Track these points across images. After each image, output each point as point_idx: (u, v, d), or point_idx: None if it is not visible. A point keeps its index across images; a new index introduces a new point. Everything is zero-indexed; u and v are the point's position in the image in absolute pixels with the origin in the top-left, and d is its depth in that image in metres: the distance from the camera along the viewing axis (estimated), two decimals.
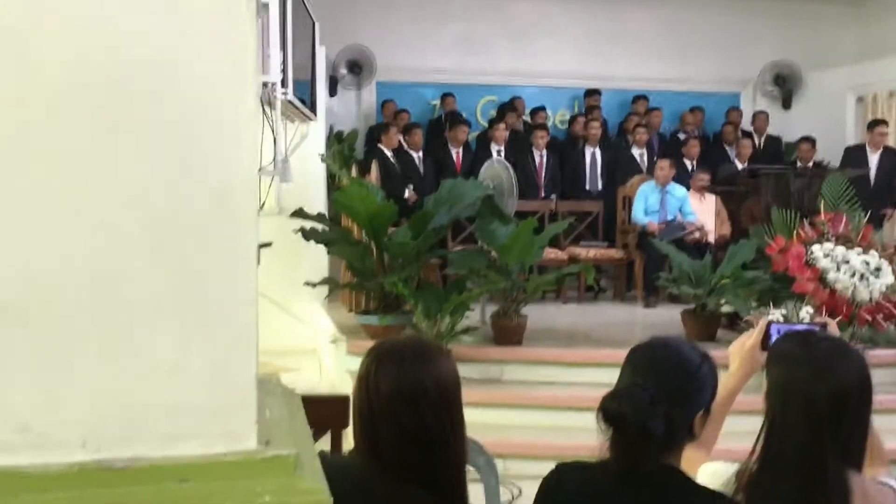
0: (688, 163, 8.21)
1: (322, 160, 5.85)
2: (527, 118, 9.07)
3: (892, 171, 7.83)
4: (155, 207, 0.92)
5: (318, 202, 6.85)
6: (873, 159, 7.94)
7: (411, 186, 7.51)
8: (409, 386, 1.54)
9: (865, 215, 5.36)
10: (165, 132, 0.93)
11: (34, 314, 0.90)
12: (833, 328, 1.92)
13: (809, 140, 8.31)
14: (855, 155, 8.07)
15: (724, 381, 1.95)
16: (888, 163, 7.87)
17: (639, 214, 7.29)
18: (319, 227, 5.35)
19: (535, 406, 4.74)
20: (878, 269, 5.00)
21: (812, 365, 1.60)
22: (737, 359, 1.94)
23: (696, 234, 7.21)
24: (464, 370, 5.01)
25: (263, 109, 4.55)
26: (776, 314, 4.66)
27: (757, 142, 8.85)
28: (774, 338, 1.87)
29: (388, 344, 1.66)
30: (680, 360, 1.63)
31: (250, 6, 0.94)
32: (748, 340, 1.92)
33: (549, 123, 9.00)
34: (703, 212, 7.44)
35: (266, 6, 4.55)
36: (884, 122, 8.12)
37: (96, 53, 0.92)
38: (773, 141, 9.14)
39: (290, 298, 5.83)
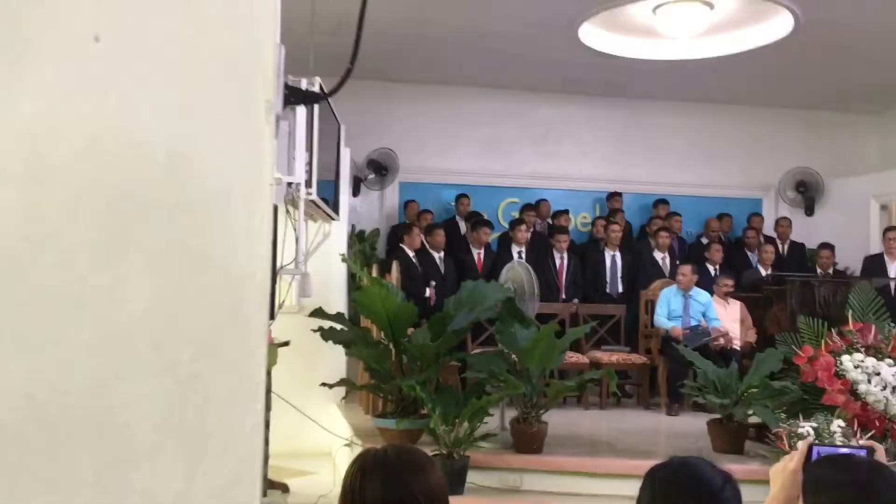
0: (710, 268, 8.16)
1: (343, 260, 5.85)
2: (550, 220, 9.13)
3: None
4: (161, 326, 0.88)
5: (338, 301, 6.84)
6: (892, 268, 7.83)
7: (433, 284, 7.50)
8: (398, 497, 1.49)
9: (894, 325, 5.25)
10: (176, 245, 0.90)
11: (31, 440, 0.85)
12: (881, 454, 1.81)
13: (828, 247, 8.25)
14: (874, 264, 7.98)
15: None
16: None
17: (662, 319, 7.20)
18: (338, 326, 5.31)
19: None
20: None
21: (858, 490, 1.52)
22: (778, 481, 1.84)
23: (721, 341, 7.08)
24: (482, 478, 4.88)
25: (287, 209, 4.61)
26: (806, 427, 4.51)
27: (780, 248, 8.79)
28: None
29: (373, 453, 1.61)
30: (701, 482, 1.58)
31: (269, 125, 0.92)
32: (790, 463, 1.83)
33: (571, 226, 9.03)
34: (728, 318, 7.33)
35: (294, 109, 4.67)
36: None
37: (109, 165, 0.90)
38: (797, 247, 9.09)
39: (306, 399, 5.73)
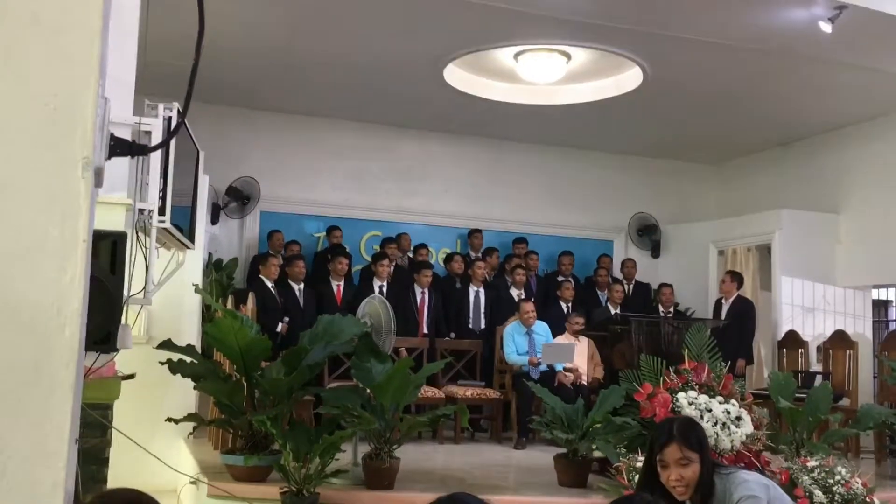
0: (563, 305, 8.46)
1: (196, 291, 5.67)
2: (410, 254, 9.21)
3: (741, 322, 8.23)
4: None
5: (190, 333, 6.61)
6: (725, 308, 8.41)
7: (286, 319, 7.38)
8: None
9: (726, 365, 5.62)
10: None
11: None
12: None
13: (668, 286, 8.75)
14: (718, 306, 8.56)
15: None
16: (735, 313, 8.29)
17: (513, 356, 7.39)
18: (188, 359, 5.13)
19: None
20: (738, 419, 5.19)
21: None
22: None
23: (571, 376, 7.35)
24: None
25: (137, 236, 4.43)
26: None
27: (626, 287, 9.22)
28: None
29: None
30: None
31: (86, 181, 0.91)
32: None
33: (433, 260, 9.14)
34: (578, 354, 7.61)
35: (148, 133, 4.52)
36: (728, 273, 8.61)
37: None
38: (642, 287, 9.56)
39: (151, 434, 5.48)
